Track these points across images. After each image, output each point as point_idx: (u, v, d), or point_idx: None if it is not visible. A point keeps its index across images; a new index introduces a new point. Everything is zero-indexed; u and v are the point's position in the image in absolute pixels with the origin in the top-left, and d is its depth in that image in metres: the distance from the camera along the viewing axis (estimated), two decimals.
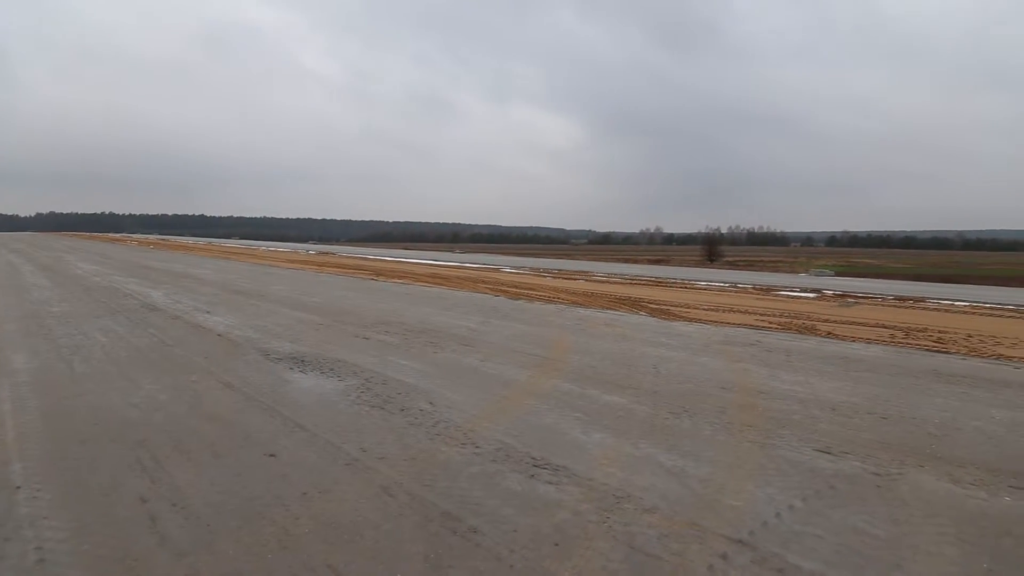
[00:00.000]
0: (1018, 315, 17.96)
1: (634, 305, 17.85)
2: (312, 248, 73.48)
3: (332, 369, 8.98)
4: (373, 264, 38.68)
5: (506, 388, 8.14)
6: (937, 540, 4.32)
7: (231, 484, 5.06)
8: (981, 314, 18.04)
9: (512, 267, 38.46)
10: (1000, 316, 17.64)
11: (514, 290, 21.82)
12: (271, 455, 5.69)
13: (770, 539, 4.26)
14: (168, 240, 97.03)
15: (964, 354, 11.21)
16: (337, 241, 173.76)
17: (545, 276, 30.60)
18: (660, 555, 4.03)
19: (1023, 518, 4.68)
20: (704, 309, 17.20)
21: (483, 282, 25.24)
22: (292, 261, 39.98)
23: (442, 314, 15.13)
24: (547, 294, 20.63)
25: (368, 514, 4.53)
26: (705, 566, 3.91)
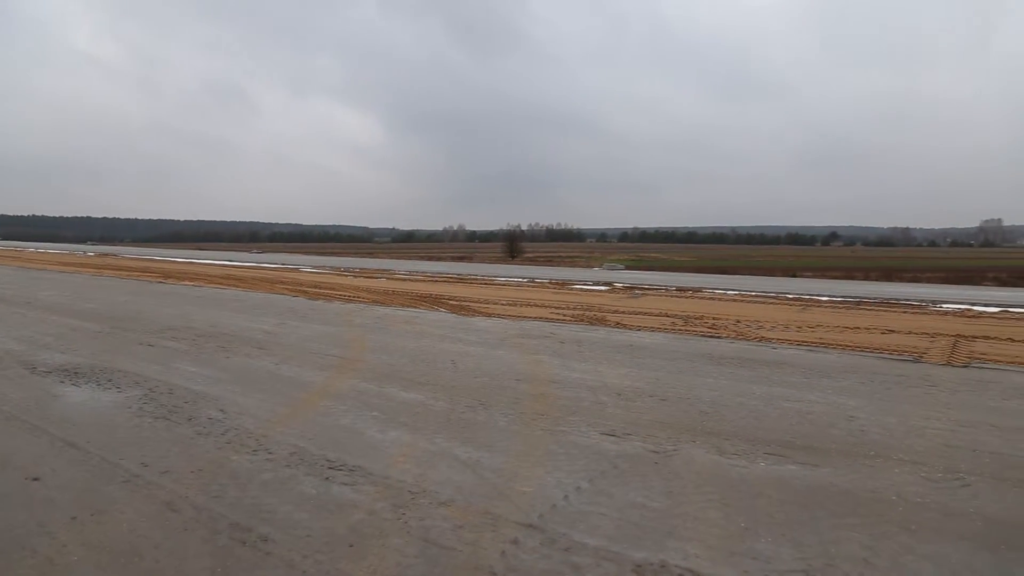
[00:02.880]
0: (777, 301, 20.05)
1: (435, 302, 18.00)
2: (91, 249, 67.43)
3: (110, 380, 8.31)
4: (161, 266, 36.17)
5: (302, 391, 7.93)
6: (704, 507, 4.74)
7: None
8: (748, 301, 19.97)
9: (313, 267, 37.47)
10: (764, 303, 19.61)
11: (314, 290, 21.27)
12: (34, 479, 5.17)
13: (558, 521, 4.48)
14: None
15: (733, 338, 12.35)
16: (121, 241, 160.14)
17: (346, 275, 30.09)
18: (454, 546, 4.11)
19: (775, 481, 5.25)
20: (503, 304, 17.68)
21: (281, 283, 24.40)
22: (66, 264, 36.43)
23: (236, 317, 14.45)
24: (347, 293, 20.31)
25: (148, 533, 4.25)
26: (498, 552, 4.03)
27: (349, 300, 18.39)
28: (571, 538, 4.23)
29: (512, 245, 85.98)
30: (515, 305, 17.40)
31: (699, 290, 23.64)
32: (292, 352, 10.31)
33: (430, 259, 64.85)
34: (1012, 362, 10.23)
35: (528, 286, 24.63)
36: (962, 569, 3.91)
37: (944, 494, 5.06)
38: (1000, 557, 4.08)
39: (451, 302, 17.96)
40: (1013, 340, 12.41)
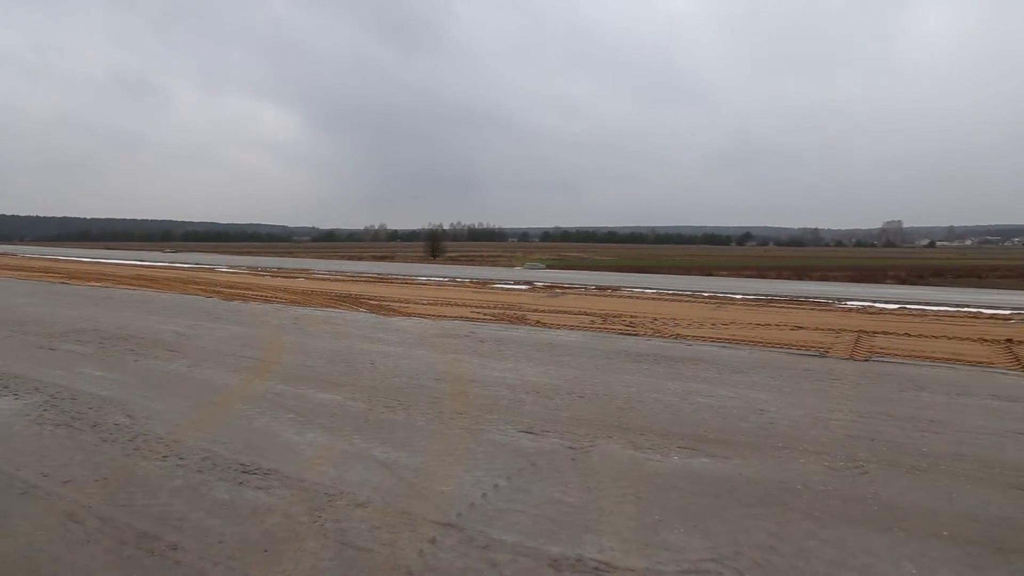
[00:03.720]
0: (693, 299, 20.58)
1: (354, 302, 17.79)
2: None
3: (7, 387, 7.92)
4: (66, 266, 34.64)
5: (215, 394, 7.73)
6: (619, 501, 4.84)
7: None
8: (666, 300, 20.42)
9: (229, 267, 36.49)
10: (681, 301, 20.09)
11: (229, 290, 20.73)
12: None
13: (476, 519, 4.50)
14: None
15: (650, 335, 12.62)
16: (21, 240, 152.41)
17: (264, 275, 29.43)
18: (371, 547, 4.08)
19: (688, 474, 5.40)
20: (424, 304, 17.61)
21: (195, 283, 23.69)
22: None
23: (146, 319, 13.96)
24: (265, 294, 19.87)
25: (47, 546, 4.07)
26: (415, 552, 4.02)
27: (266, 300, 18.00)
28: (489, 535, 4.26)
29: (434, 244, 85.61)
30: (436, 304, 17.36)
31: (618, 289, 24.05)
32: (206, 354, 10.03)
33: (351, 259, 63.97)
34: (908, 356, 10.77)
35: (449, 285, 24.60)
36: (859, 551, 4.11)
37: (845, 482, 5.30)
38: (893, 538, 4.30)
39: (371, 302, 17.79)
40: (909, 335, 13.06)
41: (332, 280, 26.59)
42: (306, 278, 27.55)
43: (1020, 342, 12.34)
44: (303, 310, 16.02)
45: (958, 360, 10.46)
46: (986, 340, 12.60)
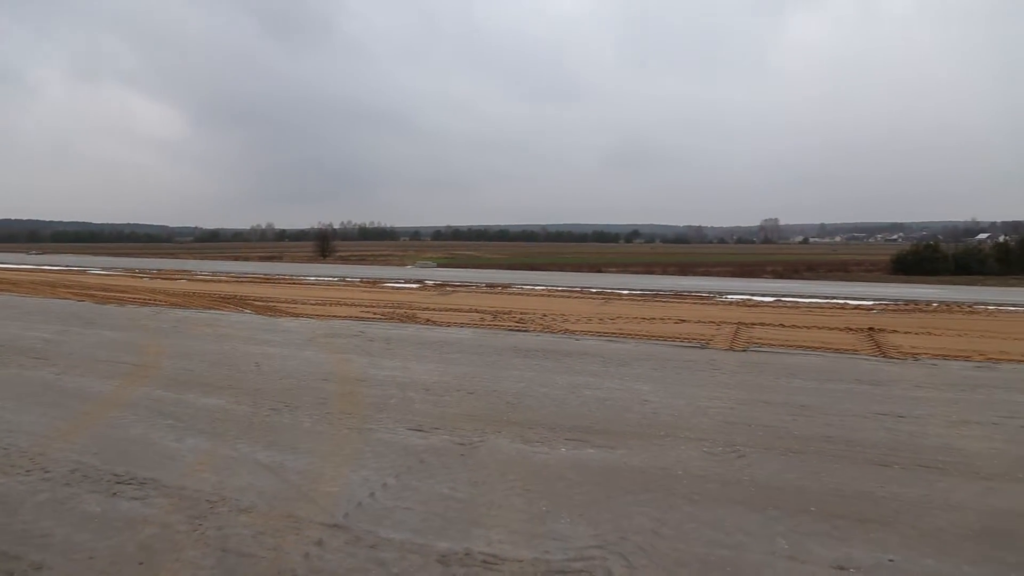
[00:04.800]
0: (582, 295, 21.02)
1: (239, 303, 17.24)
2: None
3: None
4: None
5: (87, 402, 7.33)
6: (508, 493, 4.90)
7: None
8: (555, 296, 20.78)
9: (103, 268, 34.62)
10: (570, 297, 20.50)
11: (103, 294, 19.68)
12: None
13: (364, 519, 4.46)
14: None
15: (539, 331, 12.81)
16: None
17: (142, 277, 28.09)
18: (255, 553, 3.98)
19: (575, 464, 5.52)
20: (312, 304, 17.25)
21: (65, 286, 22.36)
22: None
23: (8, 324, 13.09)
24: (142, 296, 18.97)
25: None
26: (301, 555, 3.95)
27: (145, 303, 17.19)
28: (377, 534, 4.23)
29: (324, 244, 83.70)
30: (325, 304, 17.03)
31: (508, 286, 24.26)
32: (76, 360, 9.50)
33: (236, 259, 61.79)
34: (783, 345, 11.37)
35: (339, 285, 24.19)
36: (735, 531, 4.32)
37: (723, 466, 5.56)
38: (766, 516, 4.55)
39: (257, 303, 17.28)
40: (784, 326, 13.79)
41: (216, 281, 25.66)
42: (188, 279, 26.47)
43: (881, 330, 13.24)
44: (184, 312, 15.39)
45: (827, 348, 11.12)
46: (851, 329, 13.45)
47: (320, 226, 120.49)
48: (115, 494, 4.84)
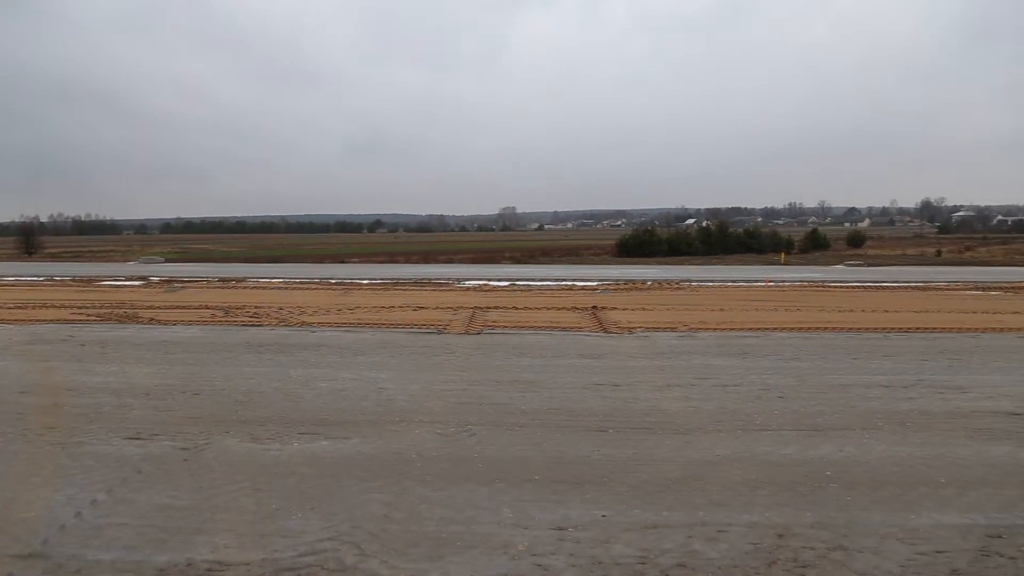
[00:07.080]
0: (322, 287, 20.70)
1: None
2: None
3: None
4: None
5: None
6: (236, 496, 4.69)
7: None
8: (294, 288, 20.19)
9: None
10: (309, 289, 20.06)
11: None
12: None
13: (68, 542, 4.03)
14: None
15: (274, 324, 12.38)
16: None
17: None
18: None
19: (307, 458, 5.43)
20: (10, 308, 15.19)
21: None
22: None
23: None
24: None
25: None
26: None
27: None
28: (83, 558, 3.86)
29: (28, 240, 74.02)
30: (26, 308, 15.07)
31: (244, 280, 23.16)
32: None
33: None
34: (514, 326, 12.00)
35: (46, 285, 21.60)
36: (466, 506, 4.53)
37: (455, 446, 5.76)
38: (494, 489, 4.82)
39: None
40: (517, 308, 14.56)
41: None
42: None
43: (603, 308, 14.43)
44: None
45: (555, 327, 11.91)
46: (577, 308, 14.53)
47: (24, 219, 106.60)
48: None
